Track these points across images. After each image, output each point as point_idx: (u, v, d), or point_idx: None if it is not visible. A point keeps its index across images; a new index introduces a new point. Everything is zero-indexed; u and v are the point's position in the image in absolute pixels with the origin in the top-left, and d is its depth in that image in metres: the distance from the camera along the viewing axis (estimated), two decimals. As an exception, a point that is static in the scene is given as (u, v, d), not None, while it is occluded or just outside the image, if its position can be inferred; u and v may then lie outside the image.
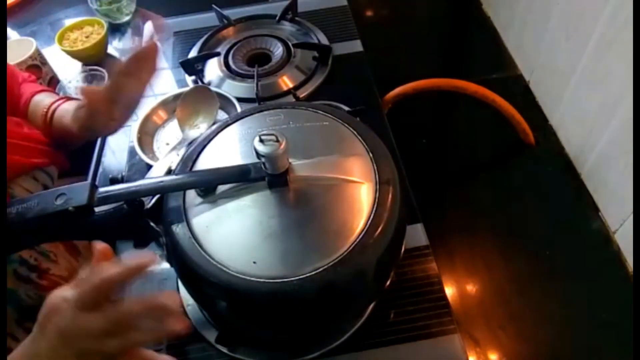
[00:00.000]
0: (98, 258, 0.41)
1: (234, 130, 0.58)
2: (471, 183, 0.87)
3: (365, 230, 0.48)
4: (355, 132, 0.56)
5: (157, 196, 0.53)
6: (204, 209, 0.51)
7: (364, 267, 0.49)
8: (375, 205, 0.50)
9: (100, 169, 0.84)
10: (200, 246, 0.48)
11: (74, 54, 1.02)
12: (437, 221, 0.73)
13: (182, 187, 0.52)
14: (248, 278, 0.46)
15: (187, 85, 0.92)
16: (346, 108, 0.75)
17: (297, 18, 1.00)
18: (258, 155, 0.48)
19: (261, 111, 0.60)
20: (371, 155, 0.54)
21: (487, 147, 0.91)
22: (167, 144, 0.81)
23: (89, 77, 0.98)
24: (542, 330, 0.67)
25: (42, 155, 0.67)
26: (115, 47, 1.11)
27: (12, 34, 1.15)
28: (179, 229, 0.50)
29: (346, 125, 0.57)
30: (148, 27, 0.62)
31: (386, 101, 0.89)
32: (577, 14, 0.78)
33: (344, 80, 0.91)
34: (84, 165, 0.85)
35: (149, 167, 0.75)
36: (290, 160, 0.51)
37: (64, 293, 0.39)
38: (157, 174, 0.66)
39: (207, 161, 0.56)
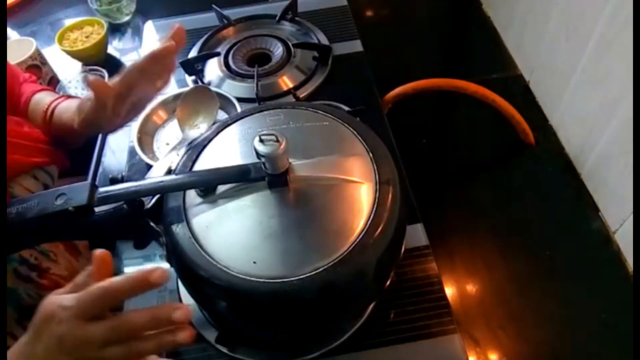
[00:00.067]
0: (97, 264, 0.40)
1: (234, 130, 0.58)
2: (471, 183, 0.87)
3: (365, 230, 0.48)
4: (355, 132, 0.56)
5: (157, 196, 0.53)
6: (204, 209, 0.51)
7: (364, 267, 0.49)
8: (375, 205, 0.50)
9: (100, 169, 0.84)
10: (200, 246, 0.48)
11: (74, 54, 1.02)
12: (437, 221, 0.73)
13: (182, 187, 0.52)
14: (248, 278, 0.46)
15: (187, 85, 0.92)
16: (346, 108, 0.74)
17: (297, 18, 0.99)
18: (258, 155, 0.48)
19: (261, 111, 0.60)
20: (371, 155, 0.54)
21: (487, 147, 0.91)
22: (167, 144, 0.81)
23: (89, 77, 0.98)
24: (542, 330, 0.67)
25: (43, 155, 0.67)
26: (115, 47, 1.11)
27: (12, 34, 1.15)
28: (179, 229, 0.50)
29: (346, 125, 0.57)
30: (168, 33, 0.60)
31: (386, 101, 0.89)
32: (577, 14, 0.78)
33: (344, 80, 0.91)
34: (84, 165, 0.85)
35: (149, 167, 0.75)
36: (290, 160, 0.51)
37: (61, 300, 0.38)
38: (157, 174, 0.66)
39: (207, 161, 0.56)
